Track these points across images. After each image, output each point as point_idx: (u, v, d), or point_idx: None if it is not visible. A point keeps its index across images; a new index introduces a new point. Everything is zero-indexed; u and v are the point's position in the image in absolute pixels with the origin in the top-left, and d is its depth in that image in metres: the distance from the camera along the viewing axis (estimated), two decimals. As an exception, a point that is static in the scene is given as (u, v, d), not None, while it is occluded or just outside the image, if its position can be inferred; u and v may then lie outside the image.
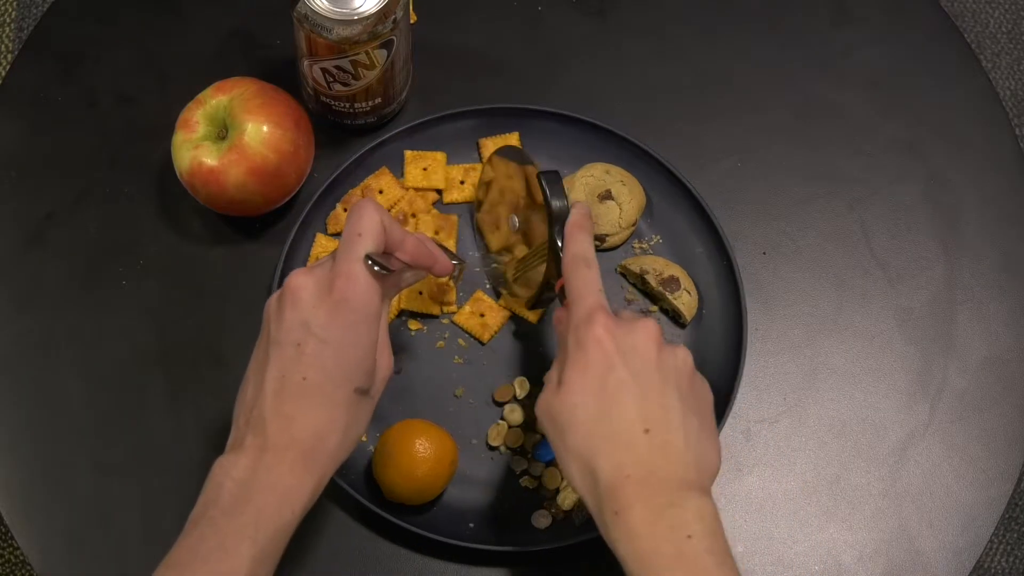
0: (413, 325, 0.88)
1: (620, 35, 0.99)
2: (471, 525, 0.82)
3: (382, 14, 0.81)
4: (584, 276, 0.70)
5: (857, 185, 0.95)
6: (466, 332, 0.88)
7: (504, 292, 0.88)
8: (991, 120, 0.98)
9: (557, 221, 0.76)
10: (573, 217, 0.75)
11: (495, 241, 0.88)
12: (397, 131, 0.91)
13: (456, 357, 0.87)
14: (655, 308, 0.89)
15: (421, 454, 0.79)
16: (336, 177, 0.89)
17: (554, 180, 0.77)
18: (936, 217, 0.95)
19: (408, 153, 0.91)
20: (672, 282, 0.87)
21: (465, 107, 0.92)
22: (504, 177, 0.86)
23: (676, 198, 0.91)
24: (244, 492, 0.64)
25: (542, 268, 0.80)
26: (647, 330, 0.67)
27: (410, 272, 0.75)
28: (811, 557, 0.84)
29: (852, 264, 0.93)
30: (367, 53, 0.83)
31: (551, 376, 0.69)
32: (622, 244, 0.91)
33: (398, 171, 0.91)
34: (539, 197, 0.78)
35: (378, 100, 0.89)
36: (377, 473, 0.80)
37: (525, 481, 0.84)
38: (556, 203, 0.76)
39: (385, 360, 0.71)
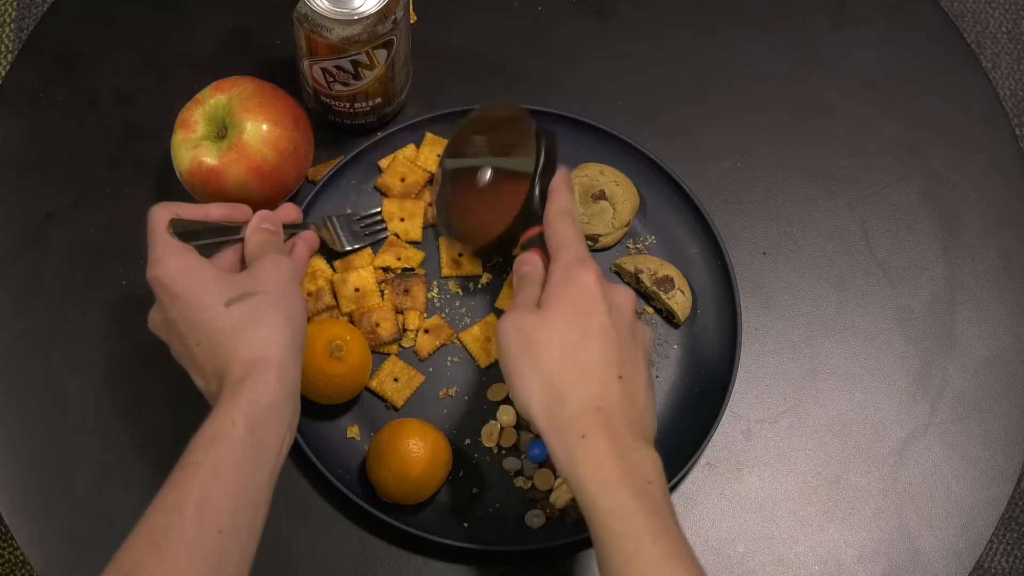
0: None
1: (620, 35, 0.99)
2: (465, 525, 0.82)
3: (382, 14, 0.81)
4: (572, 228, 0.73)
5: (857, 185, 0.95)
6: (468, 353, 0.87)
7: (447, 237, 0.88)
8: (991, 120, 0.98)
9: (544, 176, 0.77)
10: (558, 177, 0.77)
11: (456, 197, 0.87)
12: (396, 130, 0.91)
13: (451, 357, 0.87)
14: (650, 309, 0.89)
15: (415, 454, 0.79)
16: (334, 175, 0.89)
17: (551, 138, 0.79)
18: (936, 217, 0.95)
19: (429, 135, 0.91)
20: (666, 282, 0.87)
21: (464, 107, 0.92)
22: (489, 128, 0.86)
23: (671, 198, 0.91)
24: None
25: (502, 220, 0.80)
26: (628, 295, 0.71)
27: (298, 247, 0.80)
28: (811, 557, 0.84)
29: (852, 264, 0.93)
30: (367, 53, 0.83)
31: (525, 298, 0.71)
32: (616, 244, 0.91)
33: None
34: (524, 153, 0.79)
35: (378, 100, 0.89)
36: (371, 473, 0.80)
37: (519, 481, 0.84)
38: (547, 160, 0.78)
39: (267, 269, 0.73)
